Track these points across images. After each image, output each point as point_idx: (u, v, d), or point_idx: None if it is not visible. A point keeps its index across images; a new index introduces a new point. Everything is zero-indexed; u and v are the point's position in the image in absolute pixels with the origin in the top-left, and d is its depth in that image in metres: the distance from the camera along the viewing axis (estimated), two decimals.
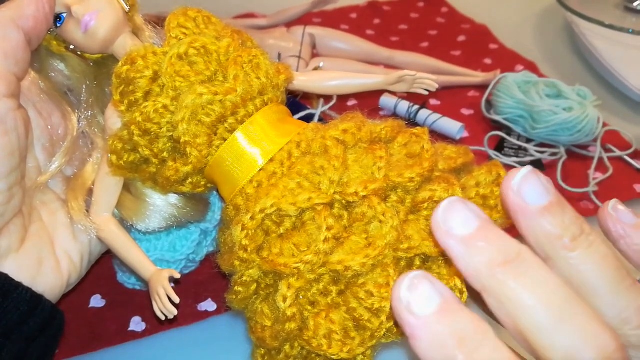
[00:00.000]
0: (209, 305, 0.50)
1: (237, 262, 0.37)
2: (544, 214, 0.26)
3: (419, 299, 0.24)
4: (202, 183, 0.43)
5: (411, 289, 0.24)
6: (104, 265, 0.50)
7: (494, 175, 0.40)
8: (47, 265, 0.41)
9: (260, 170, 0.39)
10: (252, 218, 0.36)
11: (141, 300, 0.50)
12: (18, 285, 0.39)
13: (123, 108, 0.40)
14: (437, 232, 0.25)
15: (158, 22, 0.45)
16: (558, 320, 0.23)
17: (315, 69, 0.72)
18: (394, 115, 0.72)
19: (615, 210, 0.30)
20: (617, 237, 0.30)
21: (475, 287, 0.25)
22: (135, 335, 0.48)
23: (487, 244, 0.25)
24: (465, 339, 0.23)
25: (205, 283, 0.52)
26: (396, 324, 0.35)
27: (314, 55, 0.79)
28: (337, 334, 0.36)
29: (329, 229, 0.35)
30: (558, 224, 0.26)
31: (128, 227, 0.45)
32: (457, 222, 0.25)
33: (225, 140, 0.40)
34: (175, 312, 0.41)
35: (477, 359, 0.23)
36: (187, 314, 0.49)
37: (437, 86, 0.47)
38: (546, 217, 0.26)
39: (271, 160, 0.39)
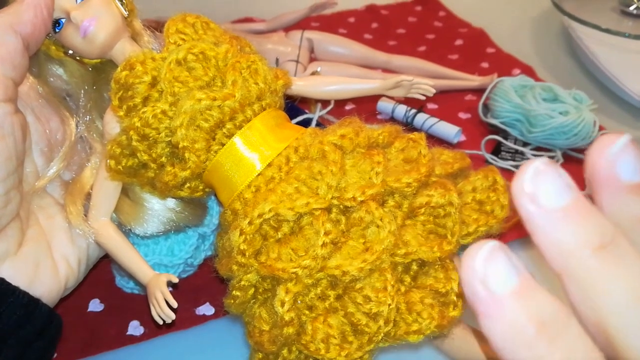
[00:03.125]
0: (207, 309, 0.50)
1: (235, 267, 0.37)
2: (637, 192, 0.22)
3: (497, 272, 0.20)
4: (200, 188, 0.43)
5: (488, 261, 0.20)
6: (102, 270, 0.50)
7: (490, 181, 0.40)
8: (44, 270, 0.41)
9: (258, 175, 0.39)
10: (250, 223, 0.36)
11: (139, 305, 0.50)
12: (15, 289, 0.39)
13: (122, 113, 0.40)
14: (519, 198, 0.21)
15: (157, 26, 0.45)
16: None
17: (313, 73, 0.72)
18: (391, 119, 0.72)
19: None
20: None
21: (554, 268, 0.22)
22: (134, 339, 0.48)
23: (581, 221, 0.21)
24: (547, 324, 0.20)
25: (203, 287, 0.52)
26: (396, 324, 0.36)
27: (312, 59, 0.79)
28: (335, 338, 0.36)
29: (326, 233, 0.35)
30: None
31: (126, 232, 0.45)
32: (547, 189, 0.21)
33: (223, 145, 0.40)
34: (173, 316, 0.41)
35: (559, 347, 0.20)
36: (185, 318, 0.49)
37: (434, 91, 0.47)
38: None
39: (269, 165, 0.39)
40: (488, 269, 0.20)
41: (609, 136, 0.22)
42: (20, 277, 0.39)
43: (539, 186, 0.21)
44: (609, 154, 0.22)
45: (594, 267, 0.21)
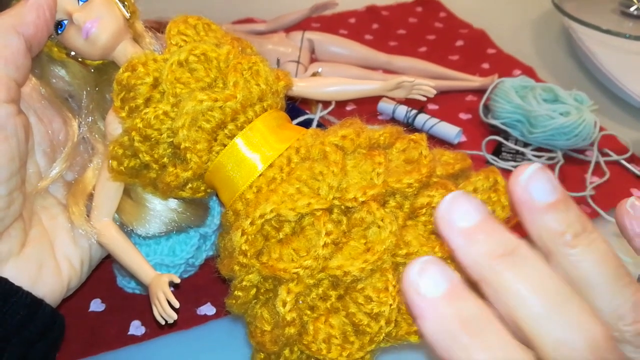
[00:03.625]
0: (208, 309, 0.50)
1: (236, 267, 0.37)
2: (549, 210, 0.26)
3: (428, 281, 0.25)
4: (202, 188, 0.43)
5: (421, 272, 0.25)
6: (103, 270, 0.50)
7: (491, 182, 0.40)
8: (47, 270, 0.41)
9: (260, 175, 0.39)
10: (251, 223, 0.36)
11: (141, 305, 0.50)
12: (18, 289, 0.39)
13: (124, 114, 0.40)
14: (440, 223, 0.26)
15: (158, 27, 0.46)
16: (550, 311, 0.25)
17: (314, 74, 0.72)
18: (392, 120, 0.72)
19: (633, 208, 0.30)
20: (633, 234, 0.30)
21: (474, 278, 0.26)
22: (135, 339, 0.48)
23: (486, 237, 0.26)
24: (470, 322, 0.24)
25: (204, 287, 0.52)
26: (399, 321, 0.36)
27: (313, 60, 0.79)
28: (337, 338, 0.36)
29: (328, 234, 0.36)
30: (561, 221, 0.26)
31: (128, 232, 0.45)
32: (460, 214, 0.26)
33: (225, 146, 0.40)
34: (175, 316, 0.41)
35: (480, 341, 0.24)
36: (187, 318, 0.49)
37: (435, 92, 0.48)
38: (551, 213, 0.26)
39: (270, 165, 0.39)
40: (421, 279, 0.25)
41: (523, 166, 0.26)
42: (23, 277, 0.39)
43: (454, 211, 0.26)
44: (522, 181, 0.26)
45: (499, 270, 0.25)
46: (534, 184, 0.27)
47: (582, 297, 0.26)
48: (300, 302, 0.36)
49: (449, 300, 0.24)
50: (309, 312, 0.36)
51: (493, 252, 0.25)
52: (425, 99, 0.48)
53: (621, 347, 0.26)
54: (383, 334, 0.35)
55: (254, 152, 0.40)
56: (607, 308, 0.26)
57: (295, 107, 0.67)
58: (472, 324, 0.24)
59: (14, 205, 0.39)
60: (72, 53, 0.43)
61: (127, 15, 0.43)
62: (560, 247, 0.27)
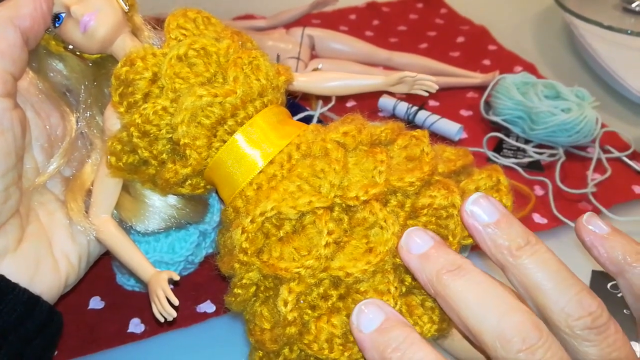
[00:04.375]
0: (207, 306, 0.50)
1: (237, 265, 0.37)
2: (493, 228, 0.32)
3: (365, 320, 0.32)
4: (202, 185, 0.42)
5: (359, 313, 0.33)
6: (102, 267, 0.50)
7: (494, 181, 0.40)
8: (44, 266, 0.41)
9: (260, 172, 0.39)
10: (252, 221, 0.36)
11: (140, 302, 0.50)
12: (15, 286, 0.38)
13: (122, 109, 0.40)
14: (401, 252, 0.34)
15: (157, 23, 0.45)
16: (488, 310, 0.30)
17: (314, 70, 0.72)
18: (393, 116, 0.72)
19: (588, 222, 0.35)
20: (590, 246, 0.35)
21: (430, 294, 0.33)
22: (134, 337, 0.48)
23: (436, 258, 0.32)
24: (398, 346, 0.30)
25: (204, 284, 0.52)
26: None
27: (313, 56, 0.79)
28: (339, 338, 0.35)
29: (329, 233, 0.35)
30: (505, 237, 0.32)
31: (127, 228, 0.45)
32: (416, 243, 0.34)
33: (224, 142, 0.40)
34: (174, 314, 0.40)
35: (405, 358, 0.30)
36: (186, 316, 0.49)
37: (437, 87, 0.47)
38: (495, 231, 0.32)
39: (271, 162, 0.39)
40: (359, 319, 0.33)
41: (468, 198, 0.34)
42: (20, 273, 0.39)
43: (411, 242, 0.34)
44: (467, 209, 0.34)
45: (447, 283, 0.31)
46: (477, 208, 0.33)
47: (514, 297, 0.31)
48: (302, 301, 0.36)
49: (381, 332, 0.31)
50: (310, 312, 0.36)
51: (442, 269, 0.32)
52: (427, 94, 0.47)
53: (573, 341, 0.30)
54: None
55: (254, 149, 0.39)
56: (556, 307, 0.30)
57: (295, 104, 0.67)
58: (400, 347, 0.30)
59: (11, 200, 0.38)
60: (70, 47, 0.43)
61: (126, 8, 0.42)
62: (507, 258, 0.32)
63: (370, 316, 0.32)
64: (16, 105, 0.38)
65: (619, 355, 0.30)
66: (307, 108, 0.66)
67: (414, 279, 0.37)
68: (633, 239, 0.34)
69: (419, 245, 0.33)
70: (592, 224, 0.35)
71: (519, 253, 0.32)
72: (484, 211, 0.33)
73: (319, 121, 0.64)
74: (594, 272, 0.52)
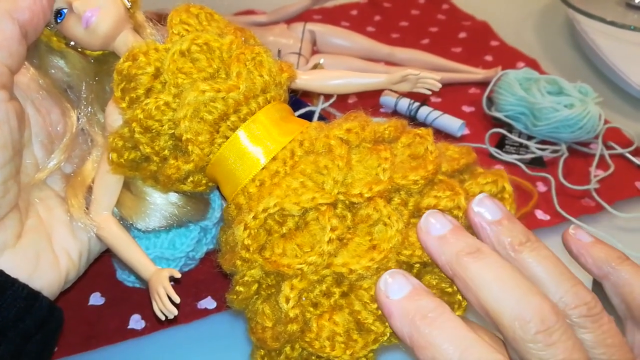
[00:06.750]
0: (208, 303, 0.50)
1: (239, 262, 0.37)
2: (497, 226, 0.34)
3: (394, 287, 0.33)
4: (204, 182, 0.42)
5: (387, 282, 0.33)
6: (103, 263, 0.49)
7: (499, 188, 0.40)
8: (44, 261, 0.41)
9: (263, 169, 0.39)
10: (254, 217, 0.36)
11: (140, 298, 0.50)
12: (14, 281, 0.38)
13: (124, 105, 0.40)
14: (419, 234, 0.35)
15: (158, 19, 0.45)
16: (505, 291, 0.31)
17: (316, 65, 0.72)
18: (395, 112, 0.72)
19: (575, 233, 0.38)
20: (577, 254, 0.37)
21: (448, 275, 0.34)
22: (135, 333, 0.48)
23: (456, 241, 0.33)
24: (427, 314, 0.31)
25: (204, 281, 0.51)
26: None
27: (314, 52, 0.79)
28: (341, 336, 0.35)
29: (333, 229, 0.35)
30: (508, 234, 0.34)
31: (127, 226, 0.44)
32: (435, 226, 0.34)
33: (227, 138, 0.39)
34: (175, 312, 0.40)
35: (436, 328, 0.31)
36: (187, 312, 0.49)
37: (440, 86, 0.47)
38: (499, 228, 0.34)
39: (274, 158, 0.39)
40: (387, 286, 0.33)
41: (474, 198, 0.36)
42: (19, 268, 0.39)
43: (430, 224, 0.35)
44: (473, 207, 0.35)
45: (466, 265, 0.32)
46: (482, 207, 0.35)
47: (532, 282, 0.32)
48: (304, 298, 0.36)
49: (409, 300, 0.32)
50: (312, 309, 0.36)
51: (461, 251, 0.33)
52: (430, 92, 0.47)
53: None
54: (388, 334, 0.35)
55: (256, 145, 0.39)
56: (555, 297, 0.32)
57: (297, 100, 0.67)
58: (429, 316, 0.31)
59: (9, 194, 0.38)
60: (72, 43, 0.42)
61: (128, 4, 0.42)
62: (510, 253, 0.33)
63: (399, 284, 0.33)
64: (12, 97, 0.38)
65: (614, 342, 0.32)
66: (309, 104, 0.66)
67: (418, 274, 0.36)
68: (614, 247, 0.37)
69: (438, 227, 0.34)
70: (578, 235, 0.37)
71: (521, 248, 0.33)
72: (489, 210, 0.35)
73: (321, 117, 0.64)
74: None
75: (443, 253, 0.33)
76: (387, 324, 0.35)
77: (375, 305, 0.35)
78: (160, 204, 0.44)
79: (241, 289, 0.38)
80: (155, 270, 0.42)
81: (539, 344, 0.29)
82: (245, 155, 0.39)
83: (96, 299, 0.51)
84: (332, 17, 0.92)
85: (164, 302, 0.40)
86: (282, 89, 0.42)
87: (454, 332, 0.30)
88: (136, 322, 0.49)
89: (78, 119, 0.44)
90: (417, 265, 0.37)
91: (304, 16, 0.85)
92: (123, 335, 0.48)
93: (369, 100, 0.72)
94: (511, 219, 0.35)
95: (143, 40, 0.42)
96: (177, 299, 0.40)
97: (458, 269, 0.32)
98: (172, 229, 0.47)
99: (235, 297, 0.39)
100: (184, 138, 0.38)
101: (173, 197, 0.45)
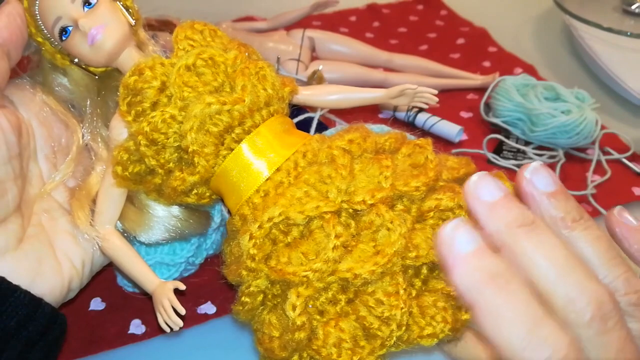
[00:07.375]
0: (208, 308, 0.50)
1: (244, 272, 0.37)
2: (551, 199, 0.31)
3: (460, 239, 0.28)
4: (207, 194, 0.43)
5: (454, 230, 0.28)
6: (103, 269, 0.50)
7: None
8: (46, 266, 0.41)
9: (267, 180, 0.39)
10: (260, 227, 0.36)
11: (141, 303, 0.50)
12: (16, 288, 0.38)
13: (130, 118, 0.40)
14: (468, 197, 0.30)
15: (158, 25, 0.45)
16: (561, 273, 0.28)
17: (315, 71, 0.72)
18: (393, 118, 0.72)
19: (620, 215, 0.35)
20: (621, 237, 0.34)
21: (496, 244, 0.30)
22: (135, 338, 0.48)
23: (507, 210, 0.29)
24: (496, 275, 0.27)
25: (204, 286, 0.52)
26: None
27: (314, 58, 0.79)
28: (347, 342, 0.35)
29: (337, 236, 0.35)
30: (561, 208, 0.31)
31: (130, 239, 0.45)
32: (485, 191, 0.30)
33: (231, 150, 0.40)
34: (181, 324, 0.40)
35: (503, 292, 0.27)
36: (187, 317, 0.48)
37: (437, 100, 0.48)
38: (552, 201, 0.31)
39: (277, 170, 0.39)
40: (454, 236, 0.28)
41: (526, 165, 0.31)
42: (21, 272, 0.39)
43: (480, 187, 0.30)
44: (526, 175, 0.31)
45: (518, 238, 0.29)
46: (536, 177, 0.31)
47: (586, 265, 0.29)
48: (310, 306, 0.36)
49: (476, 257, 0.28)
50: (318, 317, 0.36)
51: (513, 222, 0.29)
52: (427, 106, 0.48)
53: None
54: (394, 338, 0.35)
55: (259, 158, 0.40)
56: (604, 281, 0.30)
57: (296, 106, 0.67)
58: (497, 279, 0.27)
59: (7, 196, 0.39)
60: (76, 60, 0.43)
61: (132, 22, 0.42)
62: (561, 229, 0.31)
63: (465, 237, 0.28)
64: (1, 105, 0.39)
65: None
66: (307, 110, 0.66)
67: (424, 282, 0.37)
68: None
69: (489, 192, 0.30)
70: (622, 217, 0.35)
71: (574, 225, 0.31)
72: (542, 181, 0.31)
73: (320, 123, 0.64)
74: None
75: (492, 220, 0.30)
76: (392, 327, 0.35)
77: (380, 309, 0.35)
78: (163, 217, 0.45)
79: (247, 299, 0.38)
80: (160, 283, 0.42)
81: (593, 330, 0.28)
82: (248, 167, 0.40)
83: (97, 304, 0.51)
84: (331, 23, 0.92)
85: (169, 314, 0.40)
86: (284, 103, 0.43)
87: (525, 305, 0.27)
88: (137, 327, 0.49)
89: (82, 135, 0.45)
90: (425, 268, 0.37)
91: (304, 22, 0.85)
92: (123, 340, 0.48)
93: (367, 107, 0.73)
94: (566, 193, 0.32)
95: (147, 56, 0.42)
96: (183, 311, 0.40)
97: (509, 240, 0.29)
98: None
99: (241, 308, 0.39)
100: (190, 150, 0.38)
101: (175, 210, 0.45)
